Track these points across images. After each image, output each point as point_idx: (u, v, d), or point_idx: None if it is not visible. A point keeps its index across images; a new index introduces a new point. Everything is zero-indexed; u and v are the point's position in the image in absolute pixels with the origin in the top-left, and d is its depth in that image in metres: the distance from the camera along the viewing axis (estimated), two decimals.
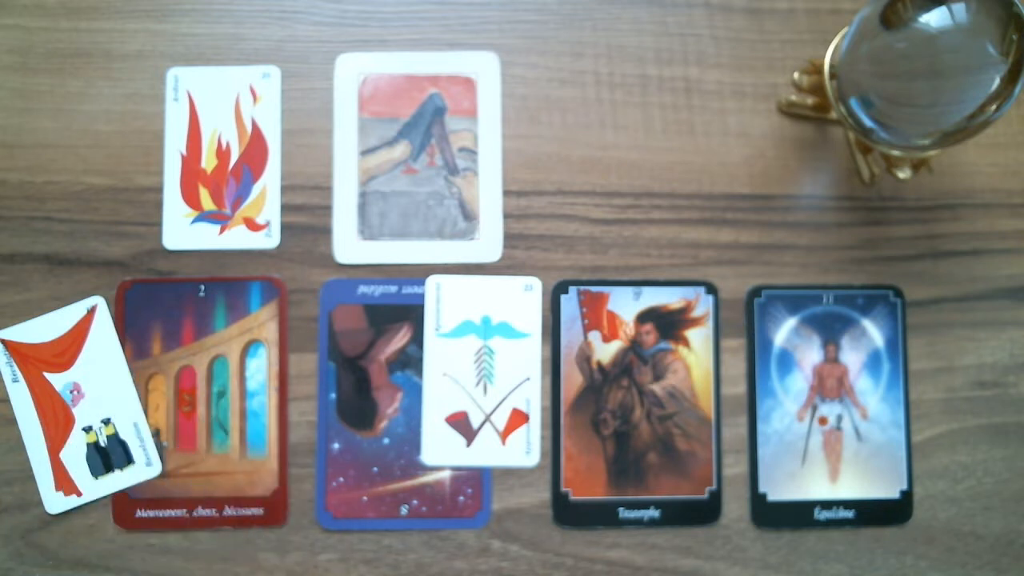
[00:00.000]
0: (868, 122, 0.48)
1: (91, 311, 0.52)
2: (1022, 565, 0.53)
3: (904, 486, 0.53)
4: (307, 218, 0.53)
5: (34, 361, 0.51)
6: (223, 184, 0.53)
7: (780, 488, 0.53)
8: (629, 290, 0.53)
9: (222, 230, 0.53)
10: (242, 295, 0.52)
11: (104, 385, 0.51)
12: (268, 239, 0.53)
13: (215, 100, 0.54)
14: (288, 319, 0.52)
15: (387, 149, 0.54)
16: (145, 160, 0.53)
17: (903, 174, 0.52)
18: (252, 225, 0.53)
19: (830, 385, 0.53)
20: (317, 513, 0.51)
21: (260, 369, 0.52)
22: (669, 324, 0.53)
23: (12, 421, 0.51)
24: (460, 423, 0.52)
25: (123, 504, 0.51)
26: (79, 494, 0.51)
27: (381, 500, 0.51)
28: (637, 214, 0.54)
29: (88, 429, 0.51)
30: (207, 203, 0.53)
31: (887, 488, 0.53)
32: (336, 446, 0.52)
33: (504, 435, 0.52)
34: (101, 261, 0.52)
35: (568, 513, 0.52)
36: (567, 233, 0.54)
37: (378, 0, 0.55)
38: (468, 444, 0.52)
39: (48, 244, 0.52)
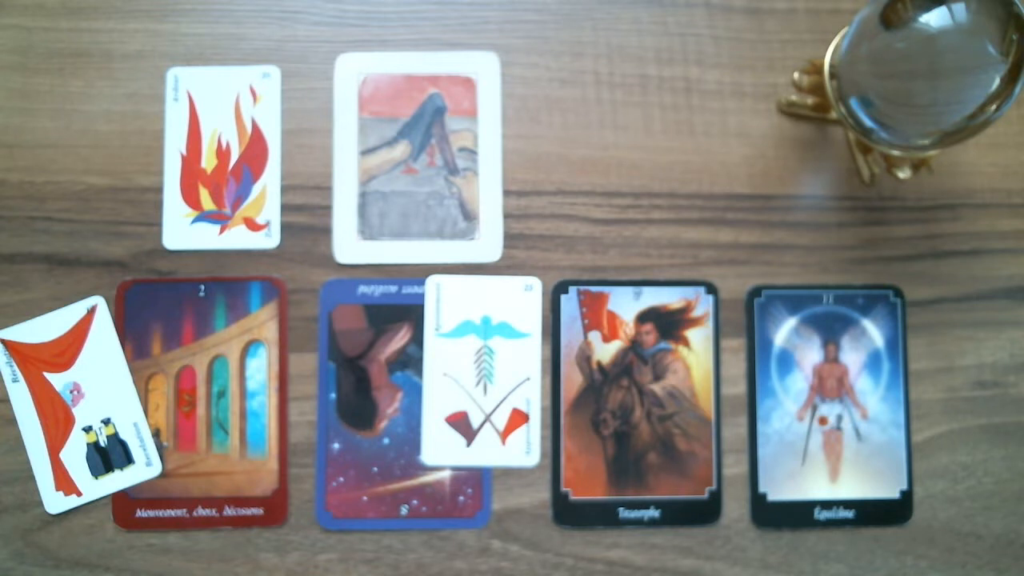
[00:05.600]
0: (868, 122, 0.48)
1: (91, 311, 0.52)
2: (1022, 565, 0.53)
3: (904, 486, 0.53)
4: (307, 218, 0.53)
5: (34, 361, 0.51)
6: (223, 184, 0.53)
7: (780, 488, 0.53)
8: (629, 290, 0.53)
9: (222, 230, 0.53)
10: (242, 295, 0.52)
11: (104, 385, 0.51)
12: (268, 239, 0.53)
13: (215, 100, 0.54)
14: (288, 319, 0.52)
15: (387, 149, 0.54)
16: (145, 160, 0.53)
17: (903, 174, 0.52)
18: (252, 225, 0.53)
19: (830, 385, 0.53)
20: (317, 513, 0.51)
21: (260, 369, 0.52)
22: (669, 324, 0.53)
23: (12, 421, 0.51)
24: (460, 423, 0.52)
25: (123, 504, 0.51)
26: (79, 494, 0.51)
27: (381, 500, 0.51)
28: (637, 214, 0.54)
29: (88, 429, 0.51)
30: (207, 203, 0.53)
31: (887, 488, 0.53)
32: (336, 446, 0.52)
33: (504, 435, 0.52)
34: (101, 261, 0.52)
35: (568, 513, 0.52)
36: (567, 233, 0.54)
37: (378, 0, 0.55)
38: (468, 444, 0.52)
39: (48, 244, 0.52)
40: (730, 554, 0.52)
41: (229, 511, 0.51)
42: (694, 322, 0.53)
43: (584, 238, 0.54)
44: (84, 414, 0.51)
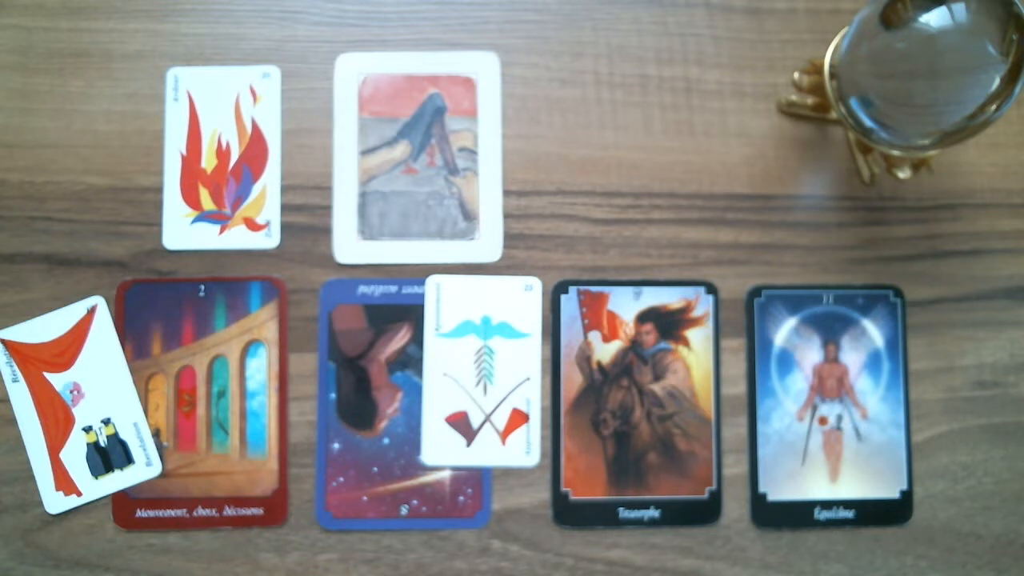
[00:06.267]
0: (868, 122, 0.48)
1: (91, 311, 0.52)
2: (1022, 565, 0.53)
3: (904, 486, 0.53)
4: (307, 218, 0.53)
5: (34, 361, 0.51)
6: (223, 184, 0.53)
7: (780, 488, 0.53)
8: (629, 290, 0.53)
9: (222, 230, 0.53)
10: (242, 295, 0.52)
11: (104, 385, 0.51)
12: (268, 239, 0.53)
13: (215, 100, 0.54)
14: (288, 319, 0.52)
15: (387, 149, 0.54)
16: (145, 160, 0.53)
17: (903, 174, 0.52)
18: (252, 225, 0.53)
19: (830, 385, 0.53)
20: (317, 513, 0.51)
21: (260, 369, 0.52)
22: (669, 324, 0.53)
23: (12, 421, 0.51)
24: (460, 423, 0.52)
25: (123, 504, 0.51)
26: (79, 494, 0.51)
27: (381, 500, 0.51)
28: (637, 214, 0.54)
29: (88, 429, 0.51)
30: (207, 203, 0.53)
31: (887, 488, 0.53)
32: (336, 446, 0.52)
33: (504, 435, 0.52)
34: (101, 261, 0.52)
35: (568, 513, 0.52)
36: (567, 233, 0.54)
37: (378, 0, 0.55)
38: (468, 444, 0.52)
39: (48, 244, 0.52)
40: (730, 554, 0.52)
41: (229, 511, 0.51)
42: (694, 322, 0.53)
43: (584, 238, 0.54)
44: (84, 414, 0.51)
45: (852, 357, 0.54)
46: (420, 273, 0.53)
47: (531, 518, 0.52)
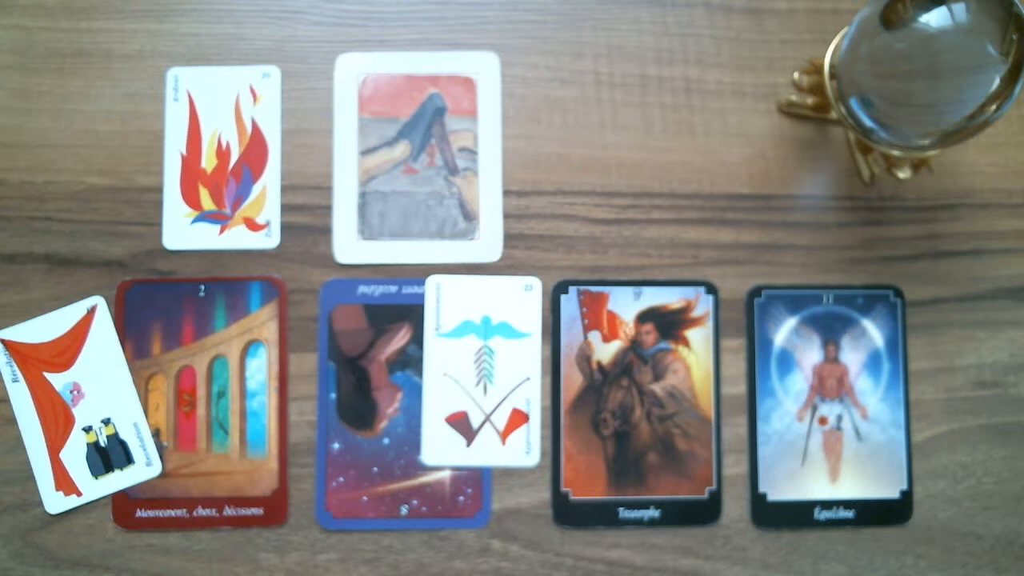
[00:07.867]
0: (868, 122, 0.48)
1: (91, 311, 0.52)
2: (1022, 565, 0.53)
3: (904, 486, 0.53)
4: (307, 218, 0.53)
5: (34, 361, 0.51)
6: (223, 184, 0.53)
7: (780, 488, 0.53)
8: (629, 290, 0.53)
9: (222, 230, 0.53)
10: (242, 295, 0.52)
11: (104, 385, 0.51)
12: (268, 239, 0.53)
13: (215, 100, 0.54)
14: (288, 319, 0.52)
15: (387, 149, 0.54)
16: (145, 160, 0.53)
17: (903, 174, 0.52)
18: (252, 225, 0.53)
19: (830, 385, 0.53)
20: (317, 513, 0.51)
21: (260, 369, 0.52)
22: (669, 324, 0.53)
23: (12, 421, 0.51)
24: (460, 423, 0.52)
25: (123, 504, 0.51)
26: (79, 494, 0.51)
27: (381, 500, 0.51)
28: (637, 214, 0.54)
29: (88, 429, 0.51)
30: (207, 203, 0.53)
31: (887, 488, 0.53)
32: (336, 446, 0.52)
33: (504, 435, 0.52)
34: (101, 261, 0.52)
35: (568, 513, 0.52)
36: (567, 233, 0.54)
37: (378, 0, 0.55)
38: (468, 444, 0.52)
39: (48, 244, 0.52)
40: (730, 554, 0.52)
41: (229, 511, 0.51)
42: (694, 322, 0.53)
43: (584, 238, 0.54)
44: (84, 414, 0.51)
45: (852, 357, 0.54)
46: (420, 273, 0.53)
47: (531, 518, 0.52)
